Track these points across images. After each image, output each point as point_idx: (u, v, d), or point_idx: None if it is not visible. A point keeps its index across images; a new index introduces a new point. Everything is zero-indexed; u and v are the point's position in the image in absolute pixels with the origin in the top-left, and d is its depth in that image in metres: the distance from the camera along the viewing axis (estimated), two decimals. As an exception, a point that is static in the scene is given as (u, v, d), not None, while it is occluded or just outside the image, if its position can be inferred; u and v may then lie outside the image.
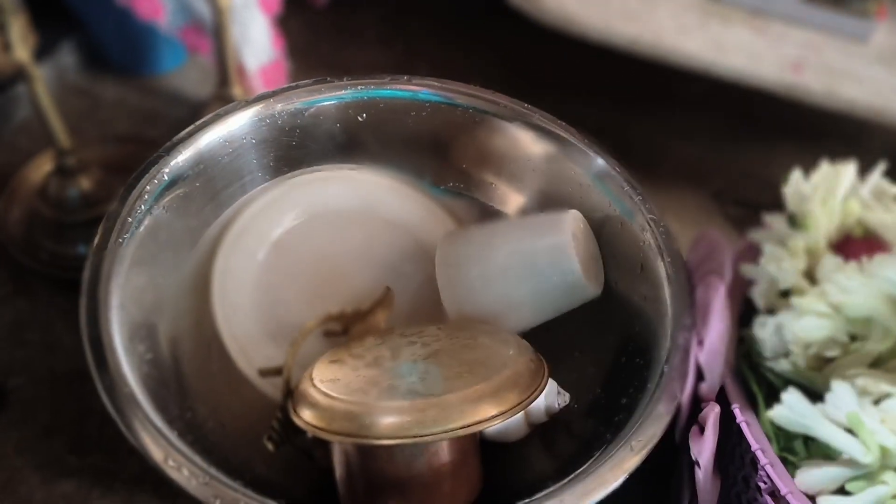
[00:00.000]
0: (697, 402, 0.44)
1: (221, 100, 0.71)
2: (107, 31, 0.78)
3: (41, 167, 0.68)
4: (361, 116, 0.62)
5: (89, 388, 0.58)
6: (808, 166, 0.79)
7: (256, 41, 0.71)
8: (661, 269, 0.49)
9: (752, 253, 0.49)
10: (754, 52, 0.63)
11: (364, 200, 0.64)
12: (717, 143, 0.81)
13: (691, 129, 0.82)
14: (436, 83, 0.62)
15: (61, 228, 0.63)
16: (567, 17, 0.65)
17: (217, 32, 0.64)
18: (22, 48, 0.52)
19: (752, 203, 0.74)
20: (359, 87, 0.62)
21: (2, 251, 0.63)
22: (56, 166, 0.61)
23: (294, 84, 0.61)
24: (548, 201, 0.61)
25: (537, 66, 0.87)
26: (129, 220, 0.51)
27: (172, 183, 0.54)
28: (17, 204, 0.65)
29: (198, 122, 0.57)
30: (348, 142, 0.63)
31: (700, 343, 0.44)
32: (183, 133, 0.56)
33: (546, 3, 0.66)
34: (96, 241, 0.49)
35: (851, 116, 0.61)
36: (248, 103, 0.59)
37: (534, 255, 0.54)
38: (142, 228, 0.51)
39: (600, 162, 0.57)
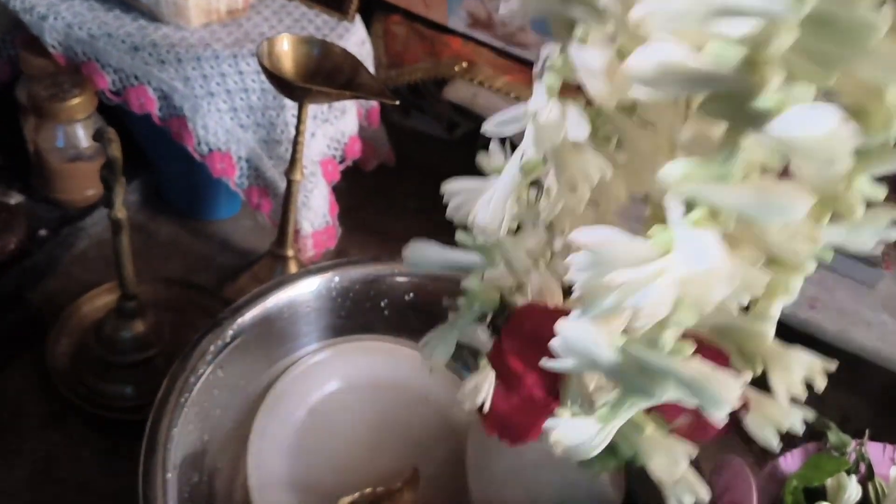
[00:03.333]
0: None
1: (274, 257, 0.75)
2: (172, 178, 0.83)
3: (93, 302, 0.71)
4: (408, 295, 0.67)
5: (116, 534, 0.58)
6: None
7: (316, 208, 0.76)
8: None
9: (773, 484, 0.53)
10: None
11: (400, 374, 0.67)
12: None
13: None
14: (481, 274, 0.67)
15: (107, 366, 0.64)
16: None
17: (285, 201, 0.70)
18: (122, 209, 0.56)
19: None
20: (410, 269, 0.66)
21: (45, 380, 0.64)
22: (117, 308, 0.63)
23: (354, 259, 0.66)
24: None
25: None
26: (192, 378, 0.53)
27: (232, 342, 0.57)
28: (67, 335, 0.68)
29: (262, 287, 0.61)
30: (393, 317, 0.67)
31: (727, 574, 0.46)
32: (248, 296, 0.60)
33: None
34: (159, 398, 0.51)
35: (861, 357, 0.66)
36: (310, 273, 0.63)
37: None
38: (199, 385, 0.54)
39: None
